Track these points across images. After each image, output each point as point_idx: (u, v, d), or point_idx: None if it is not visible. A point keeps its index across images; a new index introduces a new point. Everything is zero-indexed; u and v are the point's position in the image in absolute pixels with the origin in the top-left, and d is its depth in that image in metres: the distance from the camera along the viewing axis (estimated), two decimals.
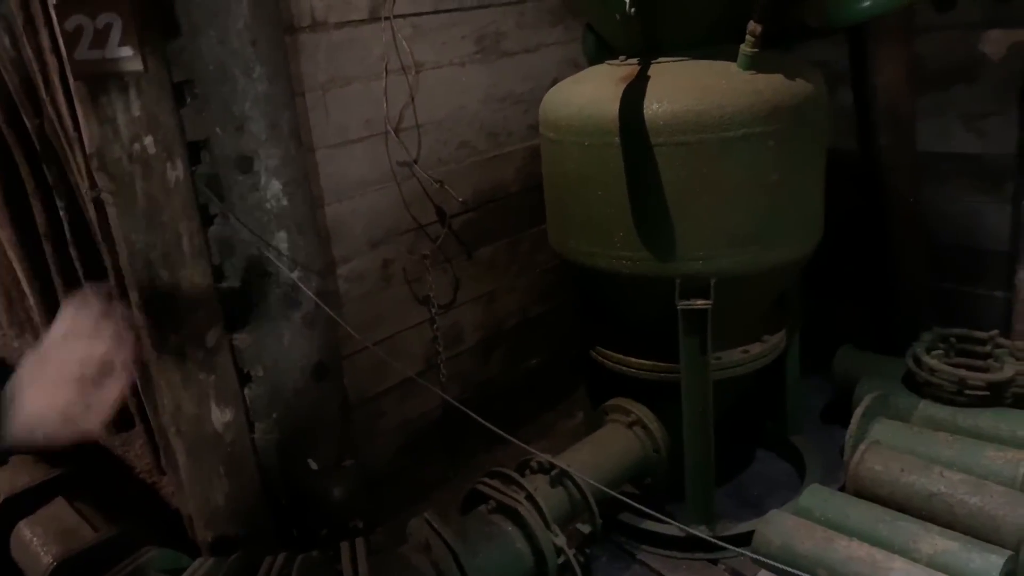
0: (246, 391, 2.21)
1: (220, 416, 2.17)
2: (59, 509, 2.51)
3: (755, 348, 2.41)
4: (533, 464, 2.23)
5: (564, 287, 3.04)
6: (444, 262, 2.77)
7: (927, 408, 2.49)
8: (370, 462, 2.57)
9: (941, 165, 2.83)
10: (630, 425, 2.45)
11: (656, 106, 2.03)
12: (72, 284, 3.41)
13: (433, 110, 2.62)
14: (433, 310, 2.75)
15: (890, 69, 2.69)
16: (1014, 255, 2.69)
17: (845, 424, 2.44)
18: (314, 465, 2.30)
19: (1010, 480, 2.13)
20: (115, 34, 1.85)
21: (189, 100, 1.99)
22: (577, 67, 2.57)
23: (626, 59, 2.27)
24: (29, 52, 2.34)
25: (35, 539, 2.40)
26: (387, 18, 2.42)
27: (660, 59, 2.18)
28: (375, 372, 2.59)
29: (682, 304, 2.16)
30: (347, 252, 2.49)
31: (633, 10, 2.00)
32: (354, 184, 2.45)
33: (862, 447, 2.29)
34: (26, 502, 2.55)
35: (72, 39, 1.86)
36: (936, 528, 2.00)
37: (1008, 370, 2.39)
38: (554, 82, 2.47)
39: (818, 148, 2.23)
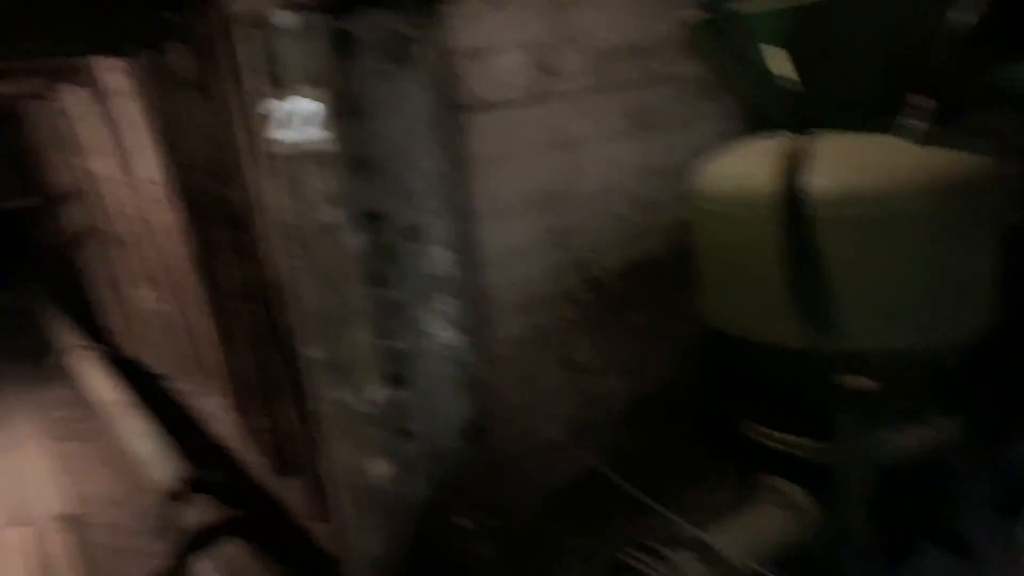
0: (404, 446, 2.33)
1: (379, 469, 2.30)
2: (232, 547, 2.73)
3: (919, 431, 2.28)
4: (680, 538, 2.20)
5: (711, 359, 3.01)
6: (591, 329, 2.82)
7: None
8: (514, 524, 2.61)
9: None
10: (782, 505, 2.37)
11: (818, 180, 2.02)
12: (254, 337, 3.74)
13: (588, 183, 2.72)
14: (580, 376, 2.79)
15: None
16: None
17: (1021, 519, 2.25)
18: (463, 523, 2.37)
19: None
20: (310, 117, 2.08)
21: (367, 175, 2.18)
22: (729, 141, 2.59)
23: (785, 132, 2.28)
24: (235, 132, 2.66)
25: (209, 573, 2.62)
26: (548, 97, 2.56)
27: (822, 134, 2.17)
28: (522, 435, 2.65)
29: (840, 381, 2.09)
30: (501, 316, 2.59)
31: (794, 86, 2.02)
32: (511, 252, 2.56)
33: None
34: (205, 538, 2.79)
35: (274, 121, 2.10)
36: None
37: None
38: (707, 155, 2.51)
39: (991, 227, 2.13)
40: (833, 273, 2.04)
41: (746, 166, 2.25)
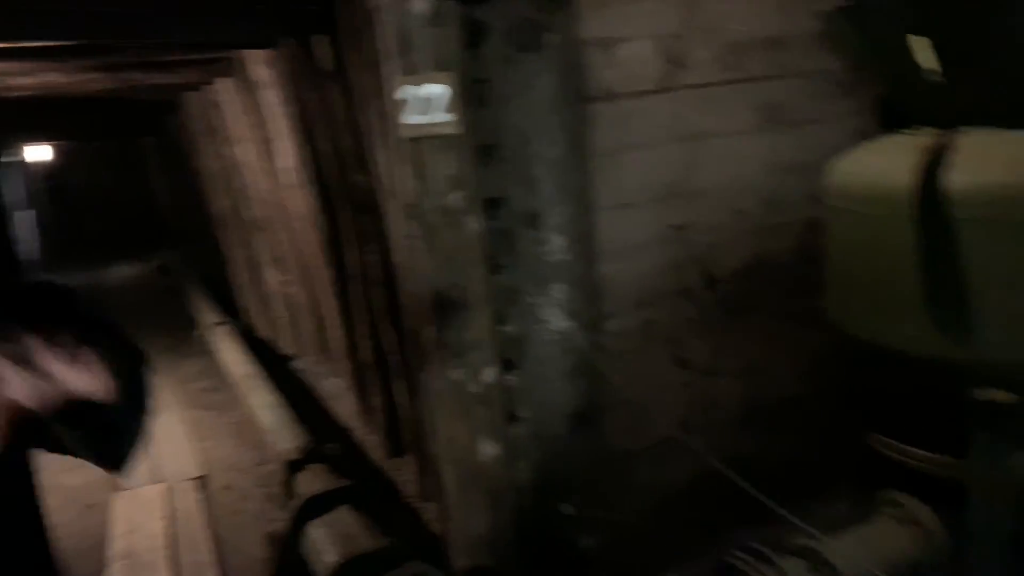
0: (512, 430, 2.36)
1: (488, 451, 2.34)
2: (345, 516, 2.85)
3: None
4: (791, 546, 2.12)
5: (833, 368, 2.88)
6: (707, 328, 2.76)
7: None
8: (619, 519, 2.59)
9: None
10: (904, 522, 2.24)
11: (960, 178, 1.89)
12: (373, 319, 3.89)
13: (711, 177, 2.66)
14: (691, 375, 2.74)
15: None
16: None
17: None
18: (567, 510, 2.38)
19: None
20: (438, 102, 2.14)
21: (491, 161, 2.23)
22: (865, 138, 2.47)
23: (926, 129, 2.15)
24: (368, 118, 2.78)
25: (323, 538, 2.75)
26: (675, 89, 2.53)
27: (967, 130, 2.04)
28: (631, 429, 2.62)
29: (978, 394, 1.96)
30: (614, 309, 2.58)
31: (939, 80, 1.91)
32: (628, 245, 2.55)
33: None
34: (319, 505, 2.93)
35: (404, 105, 2.18)
36: None
37: None
38: (839, 153, 2.40)
39: None
40: (972, 277, 1.91)
41: (883, 163, 2.14)
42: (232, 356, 6.16)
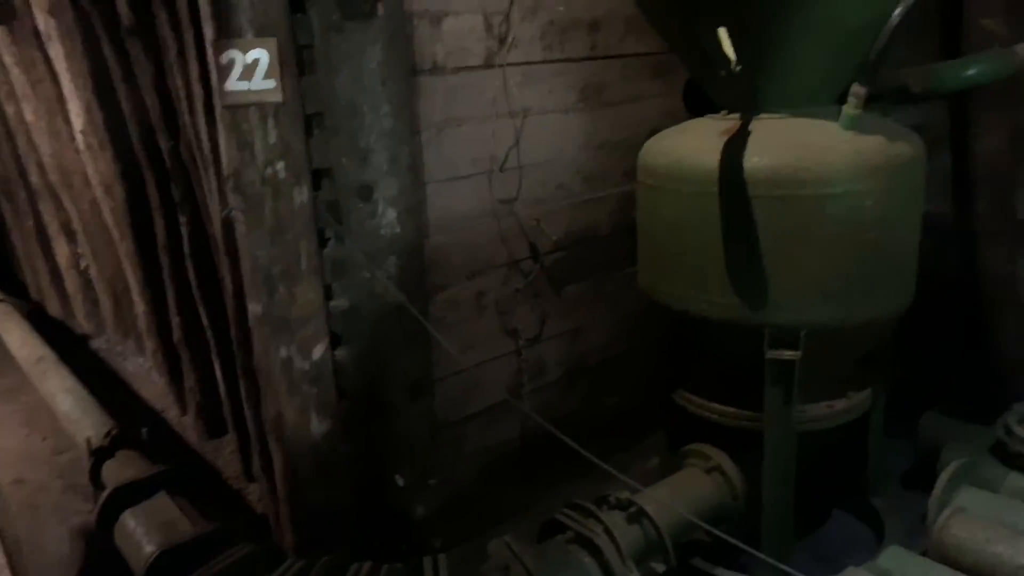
0: (344, 404, 2.34)
1: (319, 426, 2.31)
2: (162, 503, 2.67)
3: (840, 404, 2.42)
4: (611, 499, 2.28)
5: (648, 329, 3.10)
6: (534, 297, 2.88)
7: (1016, 480, 2.43)
8: (452, 484, 2.66)
9: None
10: (709, 471, 2.48)
11: (757, 159, 2.10)
12: (183, 294, 3.65)
13: (535, 153, 2.75)
14: (520, 342, 2.85)
15: (993, 136, 2.70)
16: None
17: (927, 489, 2.40)
18: (401, 481, 2.41)
19: None
20: (261, 68, 2.05)
21: (319, 131, 2.17)
22: (675, 119, 2.66)
23: (728, 113, 2.35)
24: (177, 80, 2.59)
25: (138, 529, 2.57)
26: (500, 66, 2.58)
27: (762, 115, 2.25)
28: (462, 397, 2.69)
29: (770, 354, 2.20)
30: (445, 281, 2.62)
31: (738, 68, 2.09)
32: (457, 218, 2.59)
33: (947, 513, 2.26)
34: (132, 494, 2.73)
35: (224, 70, 2.06)
36: None
37: None
38: (652, 132, 2.57)
39: (914, 210, 2.26)
40: (767, 250, 2.13)
41: (689, 144, 2.32)
42: (17, 337, 5.54)
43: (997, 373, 2.89)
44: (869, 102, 2.14)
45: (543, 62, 2.69)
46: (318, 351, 2.26)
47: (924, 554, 2.29)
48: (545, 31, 2.69)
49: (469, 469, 2.78)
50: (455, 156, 2.55)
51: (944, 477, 2.38)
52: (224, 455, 3.83)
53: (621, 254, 2.82)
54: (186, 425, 4.19)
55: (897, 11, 2.05)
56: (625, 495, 2.25)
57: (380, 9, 2.14)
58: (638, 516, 2.23)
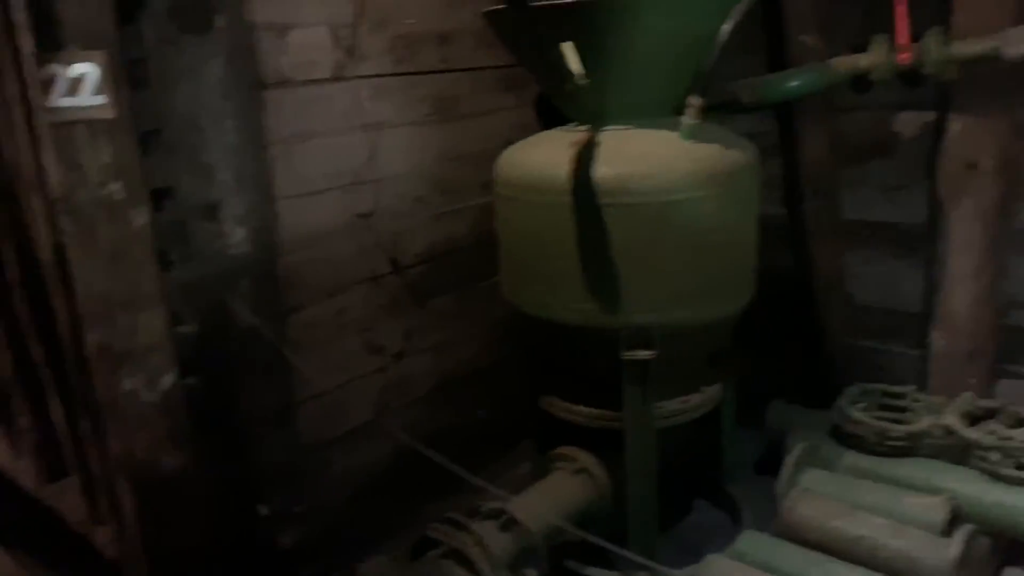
0: (198, 435, 2.22)
1: (171, 461, 2.18)
2: None
3: (694, 399, 2.54)
4: (483, 510, 2.28)
5: (514, 339, 3.14)
6: (397, 313, 2.85)
7: (852, 458, 2.64)
8: (321, 511, 2.58)
9: (862, 232, 3.07)
10: (576, 472, 2.53)
11: (605, 169, 2.18)
12: (11, 328, 3.35)
13: (391, 166, 2.73)
14: (385, 359, 2.81)
15: (815, 144, 2.94)
16: (927, 316, 2.91)
17: (777, 474, 2.57)
18: (265, 511, 2.31)
19: (926, 525, 2.28)
20: (90, 83, 1.92)
21: (157, 149, 2.05)
22: (527, 131, 2.72)
23: (577, 126, 2.43)
24: None
25: None
26: (350, 78, 2.54)
27: (608, 127, 2.34)
28: (327, 420, 2.62)
29: (627, 355, 2.28)
30: (303, 301, 2.54)
31: (584, 82, 2.16)
32: (313, 235, 2.52)
33: (792, 494, 2.43)
34: None
35: (46, 86, 1.91)
36: (861, 570, 2.13)
37: (924, 423, 2.57)
38: (506, 144, 2.62)
39: (751, 212, 2.42)
40: (618, 256, 2.22)
41: (542, 156, 2.38)
42: None
43: (831, 360, 3.13)
44: (706, 113, 2.27)
45: (393, 75, 2.68)
46: (166, 381, 2.13)
47: (778, 535, 2.45)
48: (394, 44, 2.68)
49: (338, 493, 2.71)
50: (308, 171, 2.49)
51: (789, 461, 2.55)
52: (66, 499, 3.54)
53: (483, 265, 2.84)
54: (20, 470, 3.83)
55: (725, 27, 2.19)
56: (496, 505, 2.26)
57: (219, 21, 2.05)
58: (509, 524, 2.24)
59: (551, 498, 2.44)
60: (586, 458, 2.53)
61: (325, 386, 2.51)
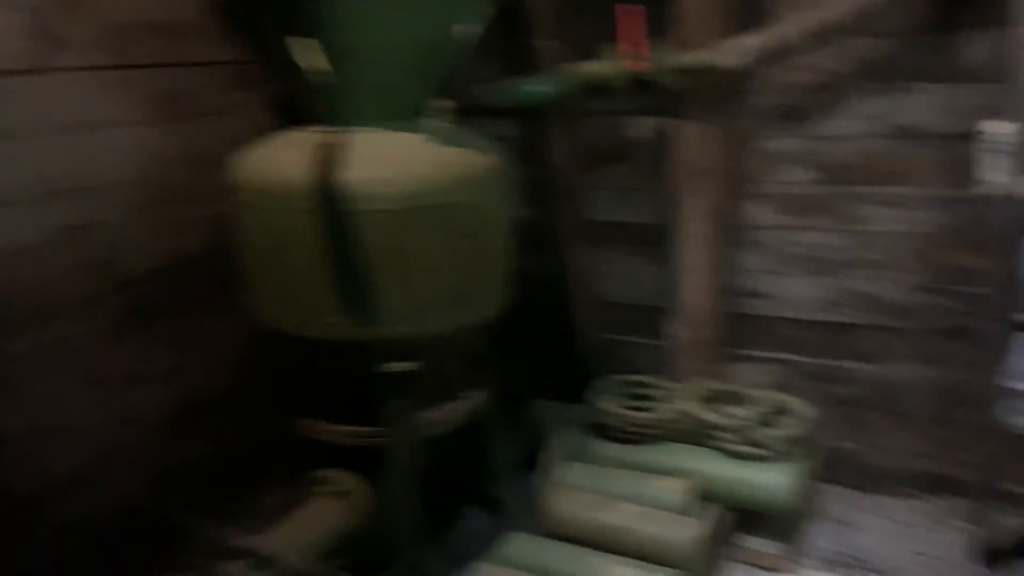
0: None
1: None
2: None
3: (457, 406, 2.51)
4: (231, 549, 2.08)
5: (265, 358, 2.92)
6: (121, 338, 2.52)
7: (606, 448, 2.76)
8: (33, 572, 2.20)
9: (605, 232, 3.23)
10: (338, 495, 2.40)
11: (351, 174, 2.07)
12: None
13: (107, 172, 2.41)
14: (109, 391, 2.47)
15: (561, 147, 3.04)
16: (664, 310, 3.12)
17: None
18: None
19: (674, 506, 2.43)
20: None
21: None
22: (265, 132, 2.52)
23: (321, 127, 2.29)
24: None
25: None
26: (52, 71, 2.20)
27: (354, 129, 2.23)
28: (38, 466, 2.25)
29: (384, 367, 2.19)
30: (10, 329, 2.17)
31: (326, 81, 2.03)
32: (17, 251, 2.16)
33: (551, 491, 2.48)
34: None
35: None
36: (618, 558, 2.22)
37: (667, 410, 2.74)
38: (243, 145, 2.41)
39: (502, 216, 2.42)
40: (371, 264, 2.12)
41: (282, 158, 2.21)
42: None
43: (584, 357, 3.27)
44: (452, 117, 2.24)
45: (106, 68, 2.36)
46: None
47: (545, 533, 2.48)
48: (104, 33, 2.36)
49: (55, 551, 2.33)
50: (4, 179, 2.13)
51: (547, 459, 2.61)
52: None
53: (224, 280, 2.59)
54: None
55: (463, 32, 2.17)
56: (245, 542, 2.07)
57: None
58: (263, 562, 2.06)
59: (308, 526, 2.29)
60: (347, 479, 2.41)
61: (36, 425, 2.15)
